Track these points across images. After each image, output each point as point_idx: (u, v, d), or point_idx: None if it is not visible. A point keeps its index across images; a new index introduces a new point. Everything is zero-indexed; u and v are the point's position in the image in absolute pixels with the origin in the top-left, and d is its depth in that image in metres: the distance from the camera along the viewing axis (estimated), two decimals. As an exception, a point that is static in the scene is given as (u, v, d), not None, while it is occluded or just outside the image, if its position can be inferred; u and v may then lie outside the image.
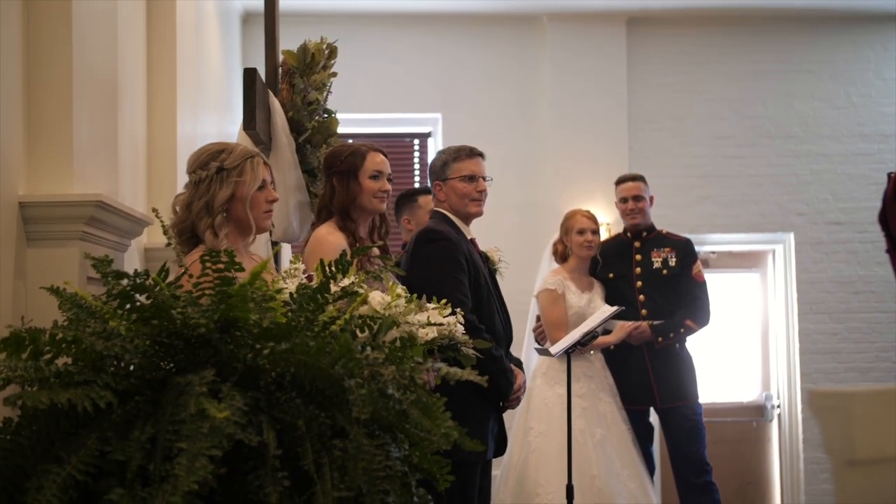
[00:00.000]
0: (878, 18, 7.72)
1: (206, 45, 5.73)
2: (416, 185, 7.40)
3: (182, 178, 4.39)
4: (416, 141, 7.86)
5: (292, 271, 2.39)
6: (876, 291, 7.70)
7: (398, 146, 7.69)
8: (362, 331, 2.18)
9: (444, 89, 7.60)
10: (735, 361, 7.88)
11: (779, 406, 7.84)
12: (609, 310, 5.02)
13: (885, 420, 1.15)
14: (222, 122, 6.25)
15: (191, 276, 2.09)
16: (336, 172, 3.55)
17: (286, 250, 4.48)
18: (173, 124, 4.63)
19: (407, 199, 5.33)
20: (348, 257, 2.24)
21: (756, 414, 7.90)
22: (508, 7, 7.46)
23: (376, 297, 2.29)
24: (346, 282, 2.22)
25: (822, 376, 7.63)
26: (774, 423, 7.87)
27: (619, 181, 5.76)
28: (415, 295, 2.51)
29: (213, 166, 2.86)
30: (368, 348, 2.04)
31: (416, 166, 7.80)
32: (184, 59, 4.86)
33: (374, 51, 7.40)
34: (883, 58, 7.83)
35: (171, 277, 2.04)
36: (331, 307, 2.10)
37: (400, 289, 2.44)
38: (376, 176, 3.54)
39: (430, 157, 7.69)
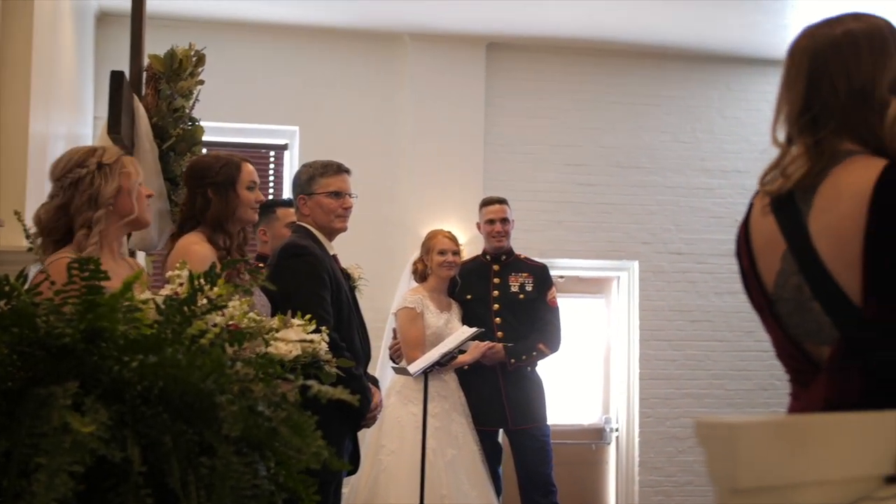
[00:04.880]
0: (724, 59, 8.05)
1: (61, 44, 5.52)
2: (271, 197, 7.31)
3: (34, 179, 4.22)
4: (273, 153, 7.77)
5: (175, 278, 2.31)
6: (712, 321, 7.98)
7: (254, 157, 7.58)
8: (231, 345, 2.13)
9: (304, 102, 7.53)
10: (578, 384, 8.04)
11: (617, 429, 8.03)
12: (468, 331, 5.06)
13: (768, 449, 1.19)
14: (74, 124, 6.03)
15: (52, 282, 2.00)
16: (211, 183, 3.47)
17: (140, 259, 4.35)
18: (25, 124, 4.43)
19: (264, 210, 5.26)
20: (217, 269, 2.18)
21: (595, 437, 8.07)
22: (371, 24, 7.46)
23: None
24: (214, 292, 2.17)
25: (659, 401, 7.86)
26: (612, 446, 8.06)
27: (486, 203, 5.82)
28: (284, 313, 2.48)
29: (91, 163, 2.84)
30: (239, 364, 1.99)
31: (272, 178, 7.70)
32: (39, 57, 4.67)
33: (232, 59, 7.26)
34: (727, 97, 8.16)
35: (30, 283, 1.95)
36: (198, 321, 2.04)
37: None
38: (252, 187, 3.49)
39: (287, 169, 7.62)
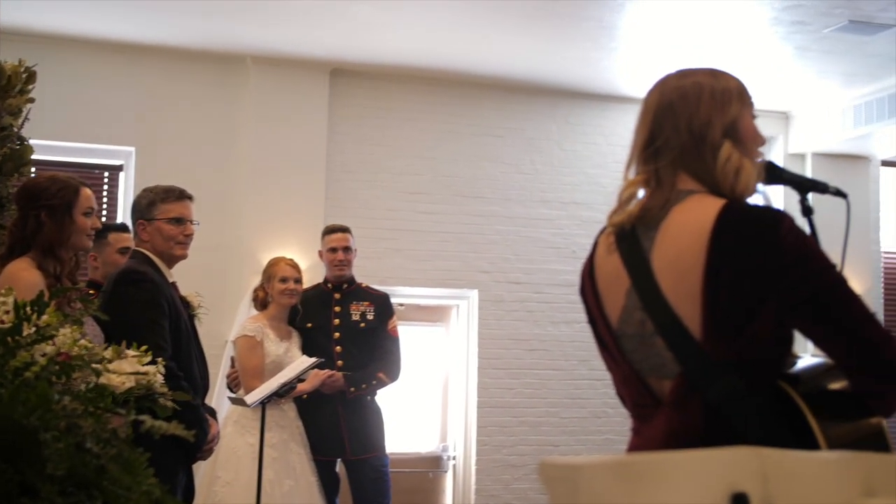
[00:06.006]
0: (564, 93, 8.24)
1: None
2: (104, 220, 7.07)
3: None
4: (107, 174, 7.52)
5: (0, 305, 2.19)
6: (549, 350, 8.11)
7: (88, 178, 7.29)
8: (59, 378, 2.03)
9: (141, 123, 7.32)
10: (416, 412, 8.05)
11: (454, 457, 8.07)
12: (308, 361, 5.00)
13: (609, 489, 1.20)
14: None
15: None
16: (46, 206, 3.31)
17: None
18: None
19: (96, 234, 5.07)
20: (46, 298, 2.09)
21: (433, 465, 8.09)
22: (213, 45, 7.33)
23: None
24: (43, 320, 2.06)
25: (496, 429, 7.94)
26: (449, 475, 8.09)
27: (329, 231, 5.78)
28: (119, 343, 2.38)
29: None
30: (66, 398, 1.89)
31: (105, 200, 7.44)
32: None
33: (66, 76, 6.99)
34: (565, 130, 8.35)
35: None
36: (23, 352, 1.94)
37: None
38: (88, 213, 3.36)
39: (122, 191, 7.38)
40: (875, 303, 8.54)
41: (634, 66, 7.52)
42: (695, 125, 2.07)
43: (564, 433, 8.05)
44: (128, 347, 2.52)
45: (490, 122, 8.14)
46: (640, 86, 7.64)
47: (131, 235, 4.13)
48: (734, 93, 2.11)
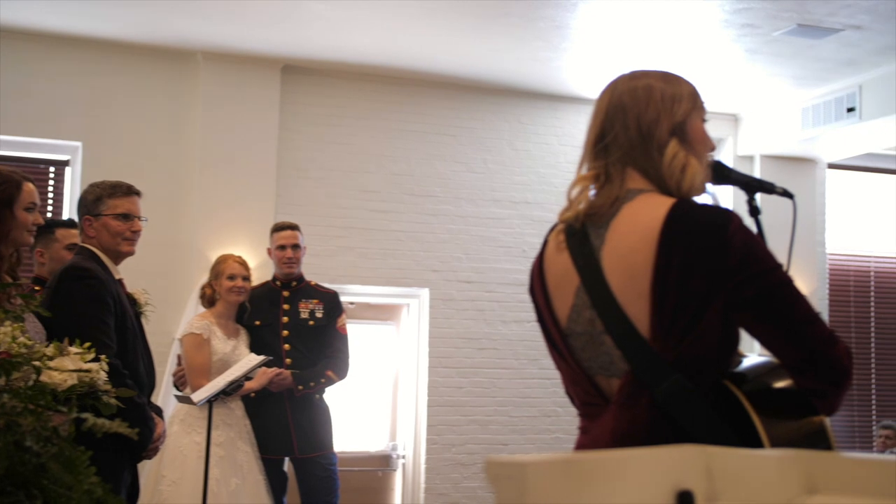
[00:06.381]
0: (515, 93, 8.26)
1: None
2: (50, 216, 6.97)
3: None
4: (53, 169, 7.40)
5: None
6: (498, 349, 8.13)
7: (33, 173, 7.17)
8: (-1, 375, 1.99)
9: (88, 117, 7.22)
10: (365, 411, 8.03)
11: (404, 456, 8.05)
12: (256, 359, 4.96)
13: (556, 487, 1.20)
14: None
15: None
16: None
17: None
18: None
19: (42, 230, 4.99)
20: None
21: (382, 463, 8.07)
22: (163, 41, 7.24)
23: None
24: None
25: (445, 428, 7.94)
26: (399, 473, 8.08)
27: (277, 228, 5.74)
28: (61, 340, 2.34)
29: None
30: (6, 395, 1.86)
31: (51, 196, 7.33)
32: None
33: (10, 69, 6.88)
34: (517, 130, 8.36)
35: None
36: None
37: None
38: (31, 208, 3.29)
39: (68, 186, 7.28)
40: (820, 304, 8.67)
41: (587, 66, 7.56)
42: (643, 123, 2.10)
43: (514, 432, 8.07)
44: (71, 344, 2.48)
45: (442, 120, 8.13)
46: (592, 86, 7.69)
47: (79, 232, 4.07)
48: (685, 95, 2.13)
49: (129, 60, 7.35)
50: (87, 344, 2.53)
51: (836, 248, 9.07)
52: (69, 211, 6.99)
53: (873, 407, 9.11)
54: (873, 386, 9.14)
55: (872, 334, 9.22)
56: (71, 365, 2.41)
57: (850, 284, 9.21)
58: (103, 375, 2.52)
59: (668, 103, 2.10)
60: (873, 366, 9.14)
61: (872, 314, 9.26)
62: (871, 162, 9.15)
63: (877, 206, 9.41)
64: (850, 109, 7.61)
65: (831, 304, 8.93)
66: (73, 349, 2.45)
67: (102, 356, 2.62)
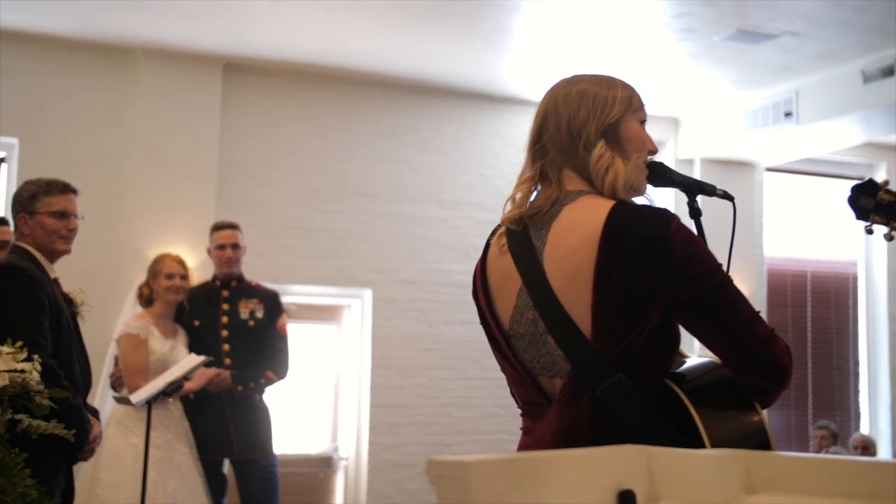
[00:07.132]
0: (459, 94, 8.26)
1: None
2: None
3: None
4: (-11, 165, 7.26)
5: None
6: (441, 350, 8.12)
7: (-33, 169, 7.07)
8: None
9: (25, 114, 7.07)
10: (307, 412, 7.98)
11: (346, 458, 8.02)
12: (195, 360, 4.91)
13: (499, 488, 1.19)
14: None
15: None
16: None
17: None
18: None
19: (-25, 228, 4.91)
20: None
21: (323, 465, 8.03)
22: (102, 36, 7.13)
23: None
24: None
25: (387, 429, 7.91)
26: (340, 475, 8.04)
27: (217, 227, 5.69)
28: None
29: None
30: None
31: (-14, 193, 7.19)
32: None
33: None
34: (462, 131, 8.36)
35: None
36: None
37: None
38: None
39: (4, 183, 7.15)
40: (759, 306, 8.78)
41: (530, 68, 7.58)
42: (573, 124, 2.13)
43: (456, 433, 8.07)
44: (2, 344, 2.43)
45: (386, 120, 8.11)
46: (535, 88, 7.72)
47: (12, 229, 3.99)
48: (618, 98, 2.16)
49: (67, 57, 7.23)
50: (20, 343, 2.48)
51: (773, 251, 9.20)
52: (4, 208, 6.85)
53: (810, 407, 9.26)
54: (810, 386, 9.28)
55: (809, 336, 9.37)
56: (2, 365, 2.36)
57: (787, 287, 9.35)
58: (36, 376, 2.47)
59: (599, 106, 2.14)
60: (810, 367, 9.29)
61: (809, 316, 9.41)
62: (808, 166, 9.30)
63: (813, 209, 9.56)
64: (788, 114, 7.73)
65: (769, 307, 9.06)
66: (5, 349, 2.40)
67: (36, 356, 2.57)
